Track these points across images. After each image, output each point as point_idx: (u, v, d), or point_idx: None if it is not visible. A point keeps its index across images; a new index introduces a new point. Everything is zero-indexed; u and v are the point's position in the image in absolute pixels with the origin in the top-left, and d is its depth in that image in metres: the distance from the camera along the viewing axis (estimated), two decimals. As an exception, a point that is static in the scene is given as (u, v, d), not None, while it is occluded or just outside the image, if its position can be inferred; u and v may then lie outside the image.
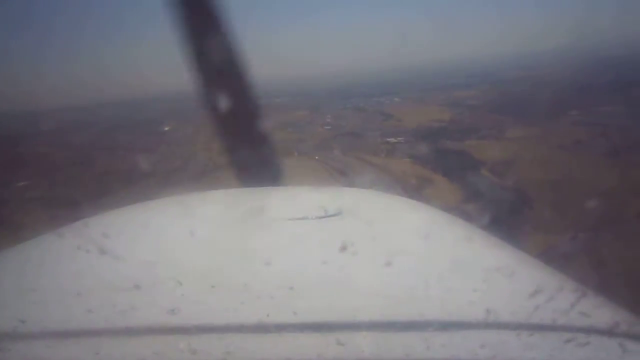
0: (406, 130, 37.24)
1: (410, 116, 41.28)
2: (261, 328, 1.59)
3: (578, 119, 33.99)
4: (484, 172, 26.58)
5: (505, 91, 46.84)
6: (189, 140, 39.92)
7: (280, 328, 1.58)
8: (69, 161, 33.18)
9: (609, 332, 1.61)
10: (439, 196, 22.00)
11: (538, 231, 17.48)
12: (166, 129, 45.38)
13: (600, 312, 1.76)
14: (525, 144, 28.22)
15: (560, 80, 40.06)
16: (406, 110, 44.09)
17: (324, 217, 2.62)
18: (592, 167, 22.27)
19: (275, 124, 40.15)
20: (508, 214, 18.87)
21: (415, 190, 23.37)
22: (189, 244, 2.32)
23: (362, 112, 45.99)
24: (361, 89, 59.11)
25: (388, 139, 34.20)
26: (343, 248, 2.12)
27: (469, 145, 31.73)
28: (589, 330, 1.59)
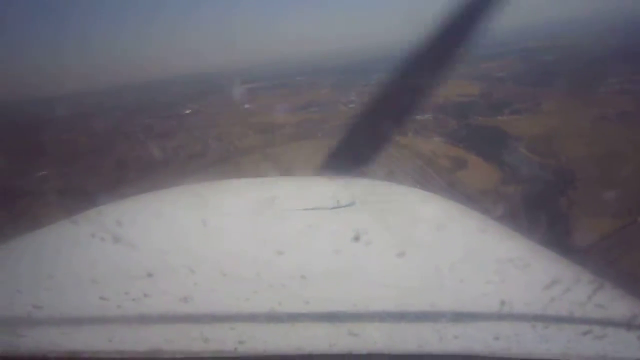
0: (433, 105, 35.59)
1: (437, 90, 39.40)
2: (273, 317, 1.57)
3: (618, 88, 31.66)
4: (522, 150, 24.69)
5: (535, 62, 44.43)
6: (210, 123, 39.32)
7: (292, 317, 1.56)
8: (87, 148, 32.60)
9: (627, 325, 1.57)
10: (475, 178, 20.62)
11: (587, 215, 16.03)
12: (187, 112, 44.93)
13: (617, 304, 1.72)
14: (563, 117, 26.33)
15: (591, 48, 37.65)
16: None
17: (336, 207, 2.60)
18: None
19: (297, 105, 39.45)
20: (551, 196, 17.38)
21: (448, 172, 21.98)
22: (202, 232, 2.31)
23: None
24: (383, 64, 56.96)
25: (415, 116, 32.59)
26: (356, 238, 2.10)
27: (502, 121, 29.86)
28: (606, 323, 1.56)
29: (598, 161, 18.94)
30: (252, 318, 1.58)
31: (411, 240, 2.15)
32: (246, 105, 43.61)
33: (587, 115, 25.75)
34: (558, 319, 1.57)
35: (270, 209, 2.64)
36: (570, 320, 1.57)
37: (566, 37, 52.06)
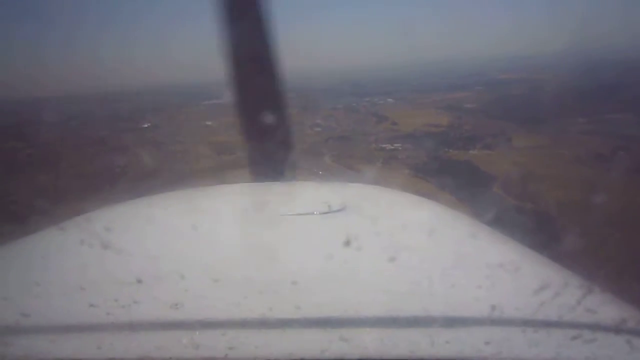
0: (402, 135, 34.50)
1: (406, 119, 38.77)
2: (264, 323, 1.60)
3: (587, 128, 31.29)
4: (497, 190, 23.38)
5: (503, 94, 44.34)
6: (168, 140, 37.30)
7: (284, 323, 1.58)
8: (26, 160, 29.76)
9: (616, 329, 1.60)
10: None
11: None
12: (145, 125, 42.74)
13: (607, 308, 1.76)
14: (536, 155, 25.47)
15: (559, 84, 37.59)
16: (401, 112, 41.49)
17: (328, 212, 2.64)
18: (622, 187, 19.36)
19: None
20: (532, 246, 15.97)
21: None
22: (192, 238, 2.32)
23: (355, 113, 43.08)
24: (352, 88, 56.03)
25: (383, 145, 31.25)
26: (347, 243, 2.09)
27: (474, 156, 28.83)
28: (596, 327, 1.60)
29: (579, 208, 17.71)
30: (243, 324, 1.58)
31: (402, 245, 2.17)
32: (208, 122, 42.11)
33: (560, 156, 24.90)
34: (548, 323, 1.58)
35: (260, 214, 2.66)
36: (560, 324, 1.59)
37: (530, 72, 52.24)
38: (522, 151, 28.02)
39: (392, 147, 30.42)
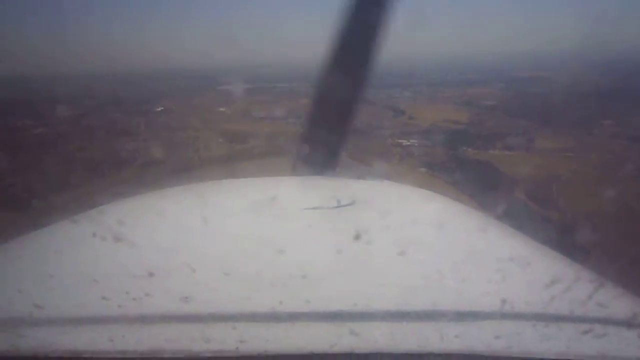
0: (419, 130, 33.46)
1: (423, 113, 37.80)
2: (274, 317, 1.61)
3: (615, 131, 29.92)
4: (519, 195, 22.22)
5: (523, 92, 43.04)
6: (180, 125, 36.67)
7: (293, 317, 1.59)
8: (37, 138, 29.13)
9: (628, 324, 1.60)
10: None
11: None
12: (158, 109, 42.16)
13: (618, 303, 1.75)
14: (562, 159, 24.23)
15: (580, 84, 36.24)
16: (418, 106, 40.53)
17: (337, 206, 2.63)
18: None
19: (275, 114, 37.01)
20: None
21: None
22: (203, 232, 2.34)
23: (371, 106, 41.95)
24: (373, 80, 54.78)
25: (400, 140, 30.18)
26: (357, 237, 2.13)
27: (495, 157, 27.67)
28: (607, 322, 1.59)
29: (612, 221, 16.52)
30: (253, 317, 1.59)
31: (412, 239, 2.16)
32: (221, 109, 41.53)
33: (588, 160, 23.57)
34: (559, 318, 1.59)
35: (271, 208, 2.67)
36: (571, 319, 1.59)
37: (547, 70, 50.63)
38: (546, 153, 26.79)
39: (409, 143, 29.35)
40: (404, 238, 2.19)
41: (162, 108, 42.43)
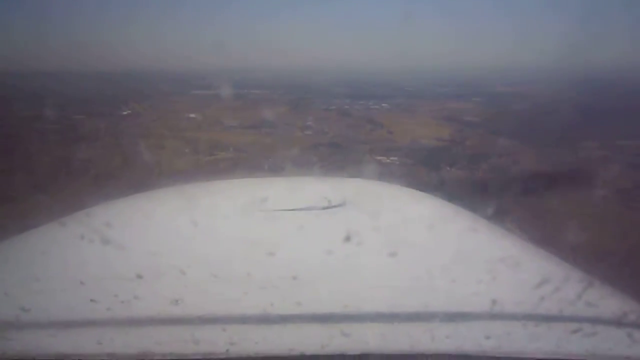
0: (399, 146, 31.91)
1: (402, 128, 36.43)
2: (265, 318, 1.56)
3: (602, 154, 28.82)
4: (510, 226, 20.65)
5: (504, 109, 42.07)
6: (145, 131, 34.39)
7: (284, 319, 1.56)
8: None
9: (617, 322, 1.60)
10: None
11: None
12: (124, 113, 39.68)
13: (607, 302, 1.80)
14: (549, 184, 22.84)
15: (564, 103, 35.29)
16: (397, 120, 39.15)
17: (328, 207, 2.70)
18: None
19: (249, 122, 35.08)
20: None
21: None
22: (192, 234, 2.30)
23: (348, 117, 40.49)
24: (346, 89, 53.37)
25: (378, 158, 28.38)
26: (347, 238, 2.09)
27: (480, 179, 26.25)
28: (596, 321, 1.59)
29: (613, 258, 15.06)
30: (243, 319, 1.55)
31: (403, 240, 2.16)
32: (192, 115, 39.50)
33: (582, 190, 22.08)
34: (548, 318, 1.58)
35: (261, 210, 2.65)
36: (560, 318, 1.59)
37: (536, 86, 49.94)
38: (532, 177, 25.46)
39: (389, 161, 27.54)
40: (394, 239, 2.20)
41: (129, 111, 40.11)
